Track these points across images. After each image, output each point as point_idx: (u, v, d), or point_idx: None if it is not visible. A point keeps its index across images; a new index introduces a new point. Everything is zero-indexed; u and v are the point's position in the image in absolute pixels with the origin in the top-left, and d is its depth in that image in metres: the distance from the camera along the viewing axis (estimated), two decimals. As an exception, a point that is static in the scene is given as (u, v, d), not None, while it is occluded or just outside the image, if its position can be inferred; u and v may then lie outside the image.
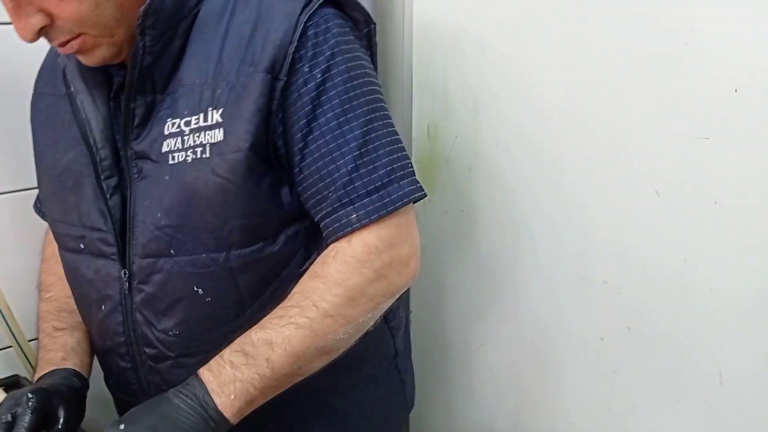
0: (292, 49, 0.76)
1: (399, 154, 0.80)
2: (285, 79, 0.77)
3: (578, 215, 1.10)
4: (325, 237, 0.80)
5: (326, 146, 0.77)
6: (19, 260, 1.11)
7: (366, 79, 0.80)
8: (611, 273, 1.08)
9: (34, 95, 0.95)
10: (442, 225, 1.33)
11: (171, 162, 0.79)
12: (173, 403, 0.74)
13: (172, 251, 0.81)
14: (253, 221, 0.80)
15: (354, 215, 0.77)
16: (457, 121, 1.25)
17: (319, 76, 0.77)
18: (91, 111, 0.85)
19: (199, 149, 0.78)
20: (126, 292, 0.85)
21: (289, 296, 0.79)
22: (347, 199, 0.78)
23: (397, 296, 0.83)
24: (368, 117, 0.79)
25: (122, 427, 0.72)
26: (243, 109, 0.76)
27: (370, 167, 0.78)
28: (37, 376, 0.92)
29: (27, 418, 0.80)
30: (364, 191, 0.77)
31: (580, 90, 1.05)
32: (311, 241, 0.85)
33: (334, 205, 0.78)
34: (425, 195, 0.82)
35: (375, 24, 0.87)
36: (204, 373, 0.76)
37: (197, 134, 0.78)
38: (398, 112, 1.37)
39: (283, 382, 0.78)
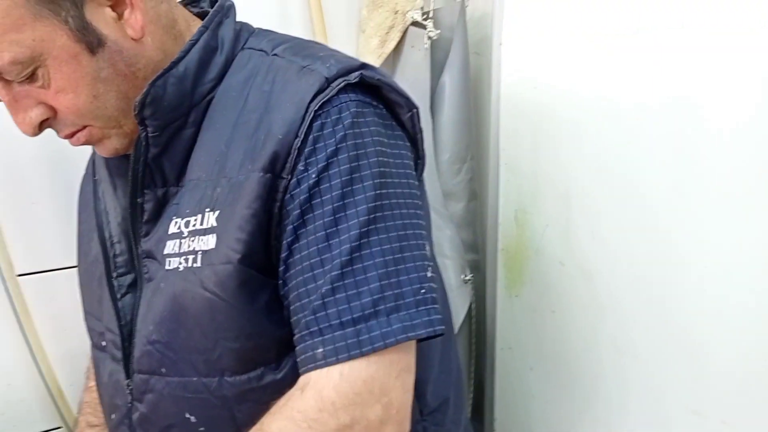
0: (297, 143, 0.64)
1: (398, 279, 0.63)
2: (288, 177, 0.65)
3: (689, 339, 0.88)
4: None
5: (309, 260, 0.64)
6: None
7: (378, 180, 0.65)
8: (731, 412, 0.84)
9: (85, 174, 0.92)
10: (529, 325, 1.15)
11: (167, 267, 0.70)
12: None
13: (163, 370, 0.72)
14: (247, 344, 0.68)
15: (320, 349, 0.62)
16: (547, 207, 1.08)
17: (314, 176, 0.64)
18: (111, 202, 0.80)
19: (191, 257, 0.68)
20: (129, 406, 0.77)
21: None
22: (316, 328, 0.62)
23: None
24: (365, 229, 0.63)
25: None
26: (237, 214, 0.66)
27: (351, 291, 0.62)
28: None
29: None
30: (337, 321, 0.62)
31: (692, 185, 0.84)
32: None
33: (303, 333, 0.64)
34: (432, 333, 0.64)
35: (417, 108, 0.74)
36: None
37: (192, 238, 0.68)
38: (485, 192, 1.23)
39: None
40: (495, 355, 1.24)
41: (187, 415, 0.71)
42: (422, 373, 0.75)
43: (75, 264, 0.91)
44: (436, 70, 1.27)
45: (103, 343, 0.81)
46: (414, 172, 0.72)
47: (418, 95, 1.23)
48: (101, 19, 0.65)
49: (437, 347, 0.80)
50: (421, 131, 0.75)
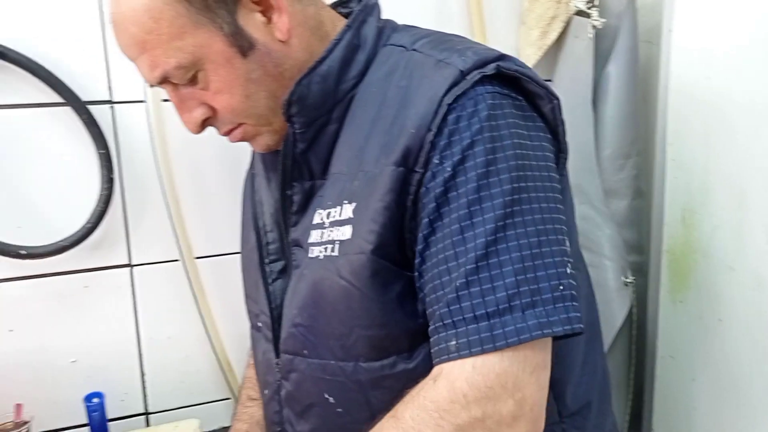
0: (430, 137, 0.65)
1: (535, 275, 0.61)
2: (422, 171, 0.66)
3: None
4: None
5: (444, 252, 0.64)
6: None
7: (516, 173, 0.64)
8: None
9: (248, 169, 1.00)
10: (694, 333, 1.06)
11: (310, 256, 0.74)
12: None
13: (305, 351, 0.76)
14: (380, 332, 0.70)
15: (453, 342, 0.62)
16: (717, 206, 0.98)
17: (449, 169, 0.64)
18: (265, 194, 0.86)
19: (329, 246, 0.71)
20: (278, 383, 0.82)
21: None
22: (450, 320, 0.62)
23: None
24: (501, 223, 0.62)
25: None
26: (371, 206, 0.68)
27: (485, 286, 0.61)
28: (225, 441, 0.95)
29: None
30: (471, 315, 0.61)
31: None
32: None
33: (437, 325, 0.64)
34: (569, 331, 0.61)
35: (558, 99, 0.71)
36: None
37: (332, 229, 0.72)
38: (650, 190, 1.15)
39: None
40: (655, 363, 1.16)
41: (326, 396, 0.75)
42: (562, 373, 0.73)
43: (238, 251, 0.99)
44: (600, 60, 1.21)
45: (259, 324, 0.88)
46: (555, 165, 0.70)
47: (580, 87, 1.18)
48: (252, 23, 0.71)
49: (579, 348, 0.77)
50: (563, 123, 0.73)
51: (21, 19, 1.04)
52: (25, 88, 1.05)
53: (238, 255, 1.00)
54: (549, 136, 0.71)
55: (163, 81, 0.73)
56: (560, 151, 0.73)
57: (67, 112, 1.07)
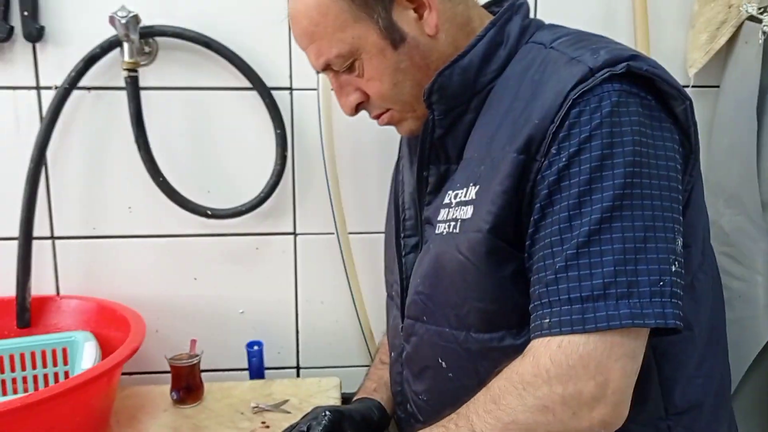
0: (552, 128, 0.69)
1: (635, 267, 0.63)
2: (541, 160, 0.70)
3: None
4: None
5: (550, 237, 0.68)
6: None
7: (631, 169, 0.66)
8: None
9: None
10: None
11: (436, 232, 0.81)
12: None
13: (424, 317, 0.83)
14: (491, 306, 0.75)
15: (547, 320, 0.66)
16: None
17: (564, 159, 0.68)
18: (407, 175, 0.94)
19: (452, 223, 0.78)
20: (402, 346, 0.91)
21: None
22: (546, 300, 0.67)
23: None
24: (607, 214, 0.65)
25: None
26: (491, 189, 0.73)
27: (584, 271, 0.64)
28: (355, 398, 1.06)
29: (318, 429, 0.93)
30: (566, 296, 0.65)
31: None
32: None
33: (536, 303, 0.68)
34: (662, 325, 0.63)
35: (690, 100, 0.71)
36: None
37: (456, 208, 0.78)
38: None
39: None
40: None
41: (440, 360, 0.82)
42: (672, 370, 0.73)
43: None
44: (768, 67, 1.15)
45: (393, 293, 0.97)
46: (678, 166, 0.70)
47: (746, 93, 1.14)
48: (404, 19, 0.80)
49: (695, 348, 0.76)
50: (695, 124, 0.73)
51: (224, 15, 1.22)
52: (223, 73, 1.24)
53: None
54: (677, 137, 0.71)
55: (326, 68, 0.85)
56: (691, 151, 0.73)
57: (254, 95, 1.24)
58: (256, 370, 1.30)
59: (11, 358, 1.16)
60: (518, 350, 0.74)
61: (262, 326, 1.35)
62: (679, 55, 1.28)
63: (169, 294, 1.31)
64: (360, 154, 1.29)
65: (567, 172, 0.67)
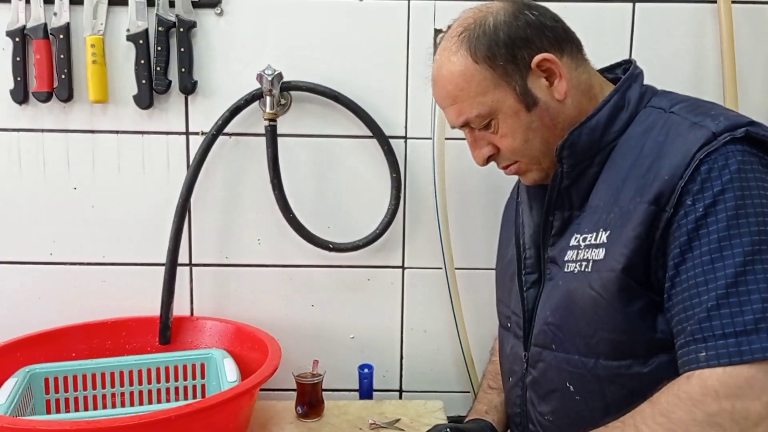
0: (681, 183, 0.80)
1: None
2: (671, 211, 0.81)
3: None
4: (679, 370, 0.79)
5: (694, 278, 0.78)
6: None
7: (763, 218, 0.76)
8: None
9: (509, 198, 1.23)
10: None
11: (566, 270, 0.93)
12: None
13: (553, 346, 0.94)
14: (621, 337, 0.85)
15: (703, 353, 0.75)
16: None
17: (701, 210, 0.78)
18: (527, 218, 1.07)
19: (584, 263, 0.89)
20: (524, 371, 1.02)
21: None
22: (700, 336, 0.76)
23: None
24: (749, 257, 0.75)
25: None
26: (624, 235, 0.84)
27: (735, 309, 0.74)
28: (467, 419, 1.17)
29: None
30: (720, 332, 0.74)
31: None
32: None
33: (687, 339, 0.78)
34: None
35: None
36: None
37: (587, 250, 0.90)
38: None
39: None
40: None
41: (567, 384, 0.93)
42: None
43: (493, 266, 1.21)
44: None
45: (509, 324, 1.09)
46: None
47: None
48: (537, 86, 0.93)
49: None
50: None
51: (350, 72, 1.38)
52: (347, 123, 1.40)
53: (489, 270, 1.21)
54: None
55: (464, 125, 0.99)
56: None
57: (374, 143, 1.39)
58: (366, 390, 1.42)
59: (156, 370, 1.32)
60: (644, 377, 0.86)
61: (369, 350, 1.47)
62: (765, 113, 1.38)
63: (289, 319, 1.45)
64: (467, 199, 1.43)
65: (705, 221, 0.78)
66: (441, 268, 1.43)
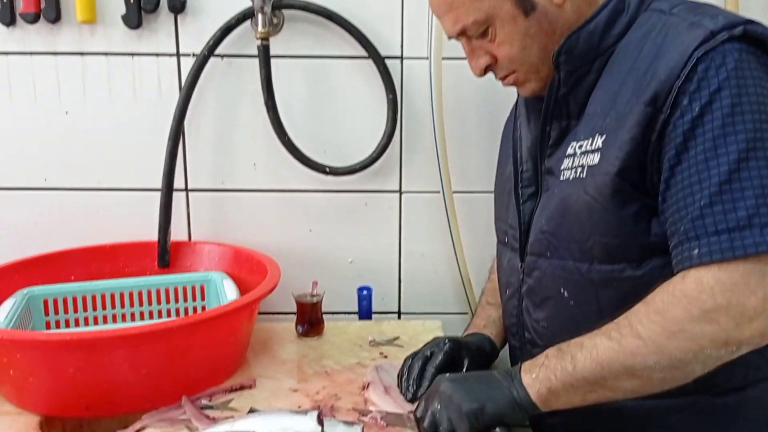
0: (678, 83, 0.79)
1: None
2: (667, 112, 0.80)
3: None
4: (673, 270, 0.80)
5: (689, 178, 0.77)
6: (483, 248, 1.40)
7: (759, 115, 0.75)
8: None
9: (508, 116, 1.21)
10: None
11: (561, 179, 0.93)
12: (493, 374, 0.89)
13: (548, 253, 0.95)
14: (614, 241, 0.86)
15: (696, 251, 0.75)
16: None
17: (697, 109, 0.77)
18: (525, 131, 1.06)
19: (579, 169, 0.89)
20: (520, 281, 1.03)
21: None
22: (693, 234, 0.76)
23: (737, 351, 0.75)
24: (744, 155, 0.74)
25: (447, 375, 0.93)
26: (619, 138, 0.84)
27: (727, 205, 0.74)
28: (465, 333, 1.19)
29: (439, 357, 1.06)
30: (713, 229, 0.74)
31: None
32: None
33: (681, 239, 0.78)
34: None
35: (803, 60, 0.81)
36: (525, 361, 0.89)
37: (582, 157, 0.89)
38: None
39: (585, 386, 0.81)
40: None
41: (562, 290, 0.93)
42: None
43: (491, 189, 1.20)
44: None
45: (506, 239, 1.09)
46: None
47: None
48: None
49: None
50: None
51: (345, -11, 1.35)
52: (341, 43, 1.37)
53: (486, 194, 1.21)
54: None
55: (461, 34, 0.96)
56: None
57: (369, 64, 1.36)
58: (365, 312, 1.44)
59: (156, 292, 1.32)
60: (637, 280, 0.86)
61: (368, 274, 1.48)
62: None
63: (287, 244, 1.45)
64: (465, 120, 1.41)
65: (700, 120, 0.77)
66: (439, 192, 1.42)
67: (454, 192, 1.42)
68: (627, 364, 0.78)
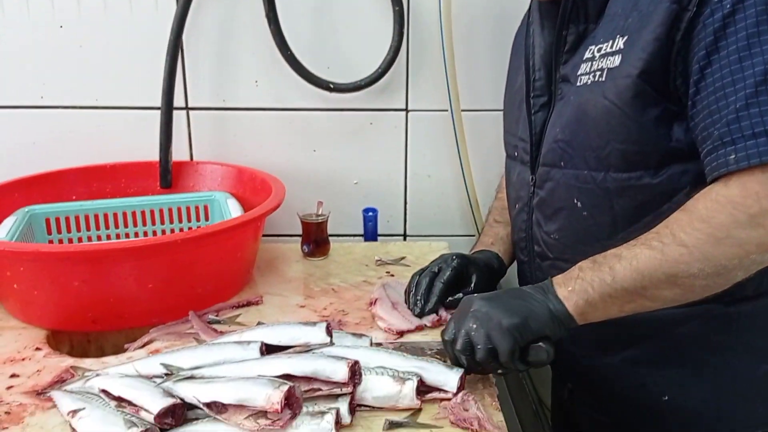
0: None
1: None
2: (694, 9, 0.75)
3: None
4: (706, 177, 0.76)
5: (721, 80, 0.73)
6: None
7: None
8: None
9: (519, 25, 1.16)
10: None
11: (578, 84, 0.89)
12: (524, 290, 0.87)
13: (562, 163, 0.92)
14: (632, 147, 0.83)
15: (733, 156, 0.72)
16: None
17: (728, 6, 0.73)
18: (538, 38, 1.01)
19: (598, 73, 0.85)
20: (531, 195, 1.00)
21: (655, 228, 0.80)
22: (729, 138, 0.72)
23: None
24: None
25: (476, 294, 0.88)
26: (642, 37, 0.79)
27: (765, 107, 0.70)
28: (472, 250, 1.17)
29: (447, 272, 1.05)
30: (750, 132, 0.71)
31: None
32: (703, 184, 0.80)
33: (716, 143, 0.74)
34: None
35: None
36: (556, 275, 0.87)
37: (602, 60, 0.85)
38: None
39: (624, 296, 0.80)
40: None
41: (575, 201, 0.91)
42: None
43: (500, 107, 1.16)
44: None
45: (515, 153, 1.06)
46: None
47: None
48: None
49: None
50: None
51: None
52: (345, -48, 1.30)
53: (496, 112, 1.17)
54: None
55: None
56: None
57: (374, -27, 1.31)
58: (371, 233, 1.42)
59: (159, 212, 1.30)
60: (654, 188, 0.83)
61: (373, 196, 1.46)
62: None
63: (291, 164, 1.43)
64: (475, 36, 1.36)
65: (732, 19, 0.73)
66: (447, 111, 1.38)
67: (462, 110, 1.38)
68: (670, 272, 0.76)
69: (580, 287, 0.82)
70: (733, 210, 0.73)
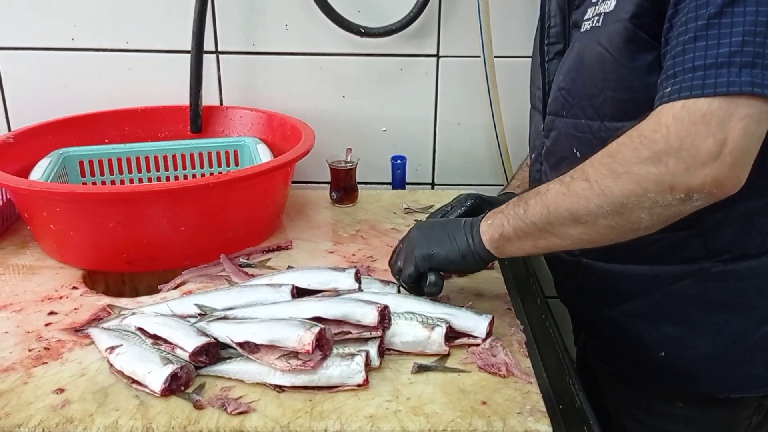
0: None
1: (764, 40, 0.65)
2: None
3: None
4: None
5: (685, 15, 0.70)
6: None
7: None
8: None
9: None
10: None
11: (582, 30, 0.86)
12: (459, 221, 0.88)
13: (563, 112, 0.90)
14: (624, 95, 0.80)
15: (668, 88, 0.69)
16: None
17: None
18: (557, -17, 0.97)
19: (596, 18, 0.82)
20: (542, 144, 0.99)
21: None
22: (672, 71, 0.70)
23: (688, 201, 0.69)
24: None
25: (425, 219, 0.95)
26: None
27: (712, 41, 0.67)
28: (499, 193, 1.17)
29: (457, 211, 1.04)
30: (690, 65, 0.68)
31: None
32: None
33: (662, 77, 0.71)
34: None
35: None
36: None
37: (601, 4, 0.82)
38: None
39: (535, 232, 0.79)
40: None
41: (575, 151, 0.89)
42: None
43: (530, 55, 1.13)
44: None
45: (535, 102, 1.04)
46: None
47: None
48: None
49: None
50: None
51: None
52: None
53: (529, 59, 1.14)
54: None
55: None
56: None
57: None
58: (399, 181, 1.42)
59: (190, 156, 1.31)
60: None
61: (402, 144, 1.45)
62: None
63: (320, 110, 1.42)
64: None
65: None
66: (479, 57, 1.36)
67: (495, 56, 1.35)
68: (572, 208, 0.75)
69: (498, 221, 0.83)
70: (639, 145, 0.70)
